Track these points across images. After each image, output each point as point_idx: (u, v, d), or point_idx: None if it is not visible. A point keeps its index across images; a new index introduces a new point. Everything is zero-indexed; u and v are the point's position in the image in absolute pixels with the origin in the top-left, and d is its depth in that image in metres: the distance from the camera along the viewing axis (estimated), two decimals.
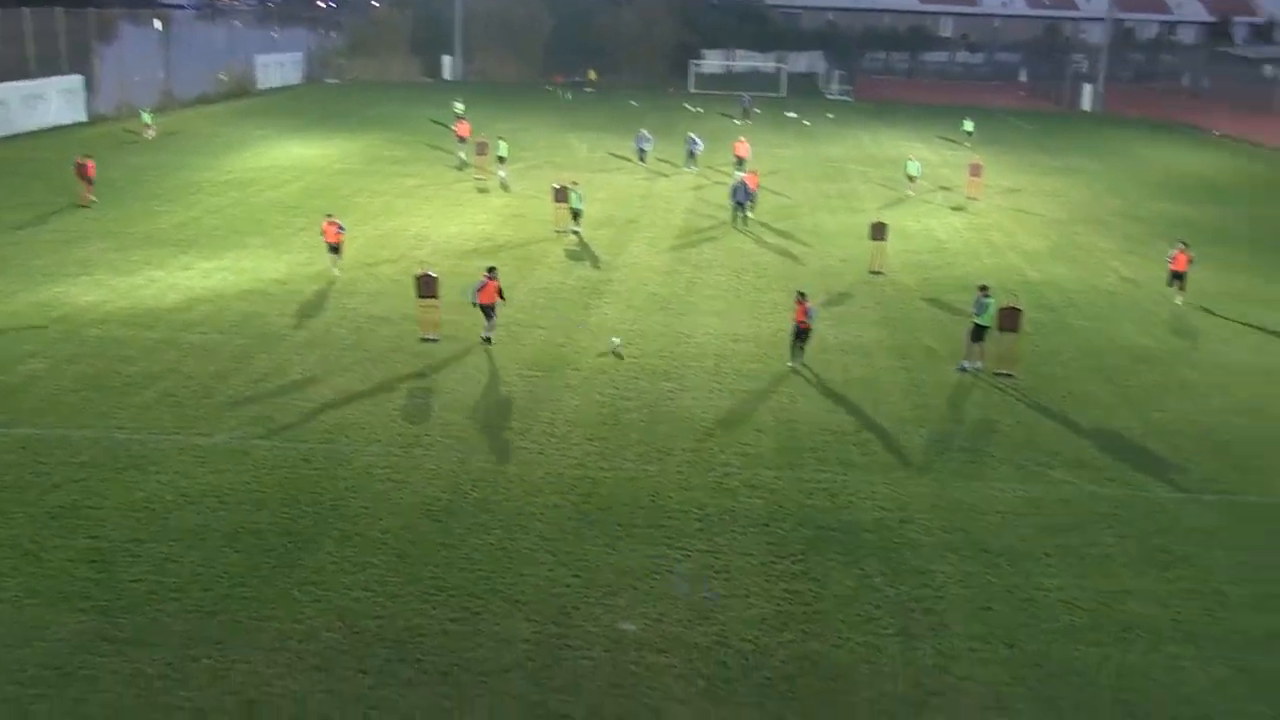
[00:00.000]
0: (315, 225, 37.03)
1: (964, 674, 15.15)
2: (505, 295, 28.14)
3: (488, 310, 27.47)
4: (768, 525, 19.00)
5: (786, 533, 18.83)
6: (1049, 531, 19.16)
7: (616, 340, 26.97)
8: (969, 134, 69.90)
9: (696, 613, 16.39)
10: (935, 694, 14.73)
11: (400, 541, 18.08)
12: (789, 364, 26.78)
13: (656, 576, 17.32)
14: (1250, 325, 32.37)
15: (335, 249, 33.70)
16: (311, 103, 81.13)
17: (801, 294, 26.71)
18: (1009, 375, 26.86)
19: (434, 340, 28.01)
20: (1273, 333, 31.76)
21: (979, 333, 26.95)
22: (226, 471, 20.37)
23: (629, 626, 15.99)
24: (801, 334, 26.50)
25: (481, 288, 27.35)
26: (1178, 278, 33.87)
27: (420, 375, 25.69)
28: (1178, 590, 17.41)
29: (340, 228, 33.71)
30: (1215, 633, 16.32)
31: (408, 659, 15.13)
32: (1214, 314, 33.12)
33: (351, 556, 17.58)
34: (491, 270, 27.67)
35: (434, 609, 16.24)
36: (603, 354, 27.07)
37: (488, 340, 27.63)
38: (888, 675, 15.09)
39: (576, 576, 17.25)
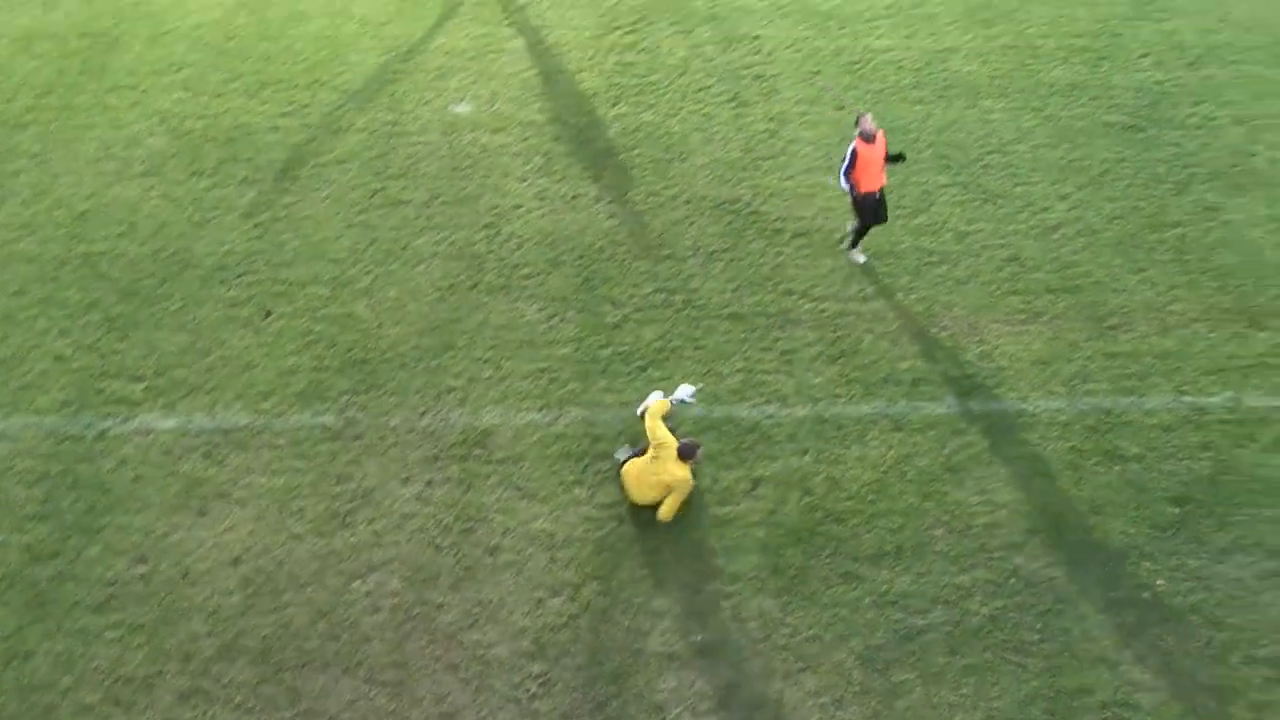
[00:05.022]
0: None
1: (793, 136, 15.65)
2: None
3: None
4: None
5: (615, 4, 18.37)
6: None
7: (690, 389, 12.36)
8: None
9: (528, 90, 16.28)
10: (765, 158, 15.27)
11: (215, 37, 17.12)
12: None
13: (488, 56, 16.94)
14: None
15: None
16: None
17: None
18: None
19: None
20: None
21: None
22: None
23: (463, 109, 15.88)
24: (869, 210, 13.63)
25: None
26: None
27: None
28: (997, 46, 17.79)
29: None
30: (1026, 85, 16.94)
31: (240, 158, 14.89)
32: None
33: (164, 56, 16.67)
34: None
35: (261, 105, 15.78)
36: None
37: None
38: (720, 141, 15.50)
39: (405, 61, 16.78)
